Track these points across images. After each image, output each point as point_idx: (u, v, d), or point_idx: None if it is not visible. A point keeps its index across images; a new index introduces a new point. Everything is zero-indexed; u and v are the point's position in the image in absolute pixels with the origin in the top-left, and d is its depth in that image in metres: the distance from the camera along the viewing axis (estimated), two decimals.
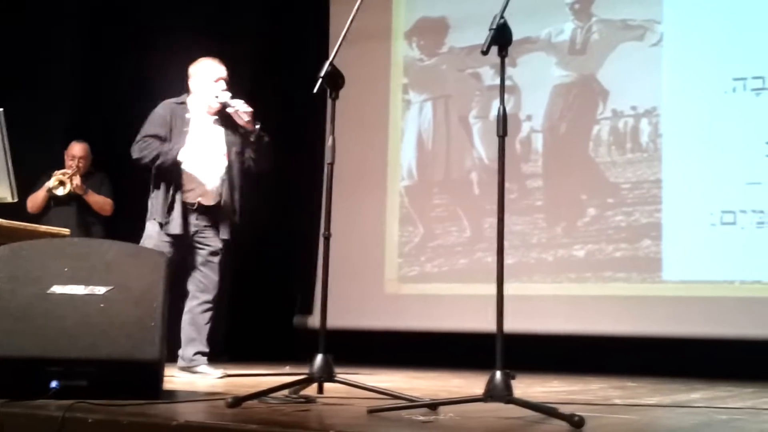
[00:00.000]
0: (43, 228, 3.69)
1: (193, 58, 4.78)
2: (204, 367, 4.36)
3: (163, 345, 2.77)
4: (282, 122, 6.95)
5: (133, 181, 6.39)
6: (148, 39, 6.89)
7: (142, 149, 4.45)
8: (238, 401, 2.55)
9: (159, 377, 2.79)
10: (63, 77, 6.83)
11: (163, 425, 2.19)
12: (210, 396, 3.01)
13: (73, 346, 2.71)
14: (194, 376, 4.24)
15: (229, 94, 4.57)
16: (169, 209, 4.41)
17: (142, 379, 2.76)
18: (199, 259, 4.47)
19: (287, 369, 5.16)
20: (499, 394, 2.39)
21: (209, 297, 4.47)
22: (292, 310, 6.99)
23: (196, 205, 4.46)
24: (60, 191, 5.57)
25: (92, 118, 6.67)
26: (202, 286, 4.46)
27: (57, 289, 2.77)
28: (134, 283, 2.83)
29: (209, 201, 4.49)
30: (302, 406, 2.65)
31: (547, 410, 2.42)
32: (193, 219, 4.46)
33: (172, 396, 2.87)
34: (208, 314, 4.47)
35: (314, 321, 6.63)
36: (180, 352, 4.36)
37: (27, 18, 6.61)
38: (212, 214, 4.50)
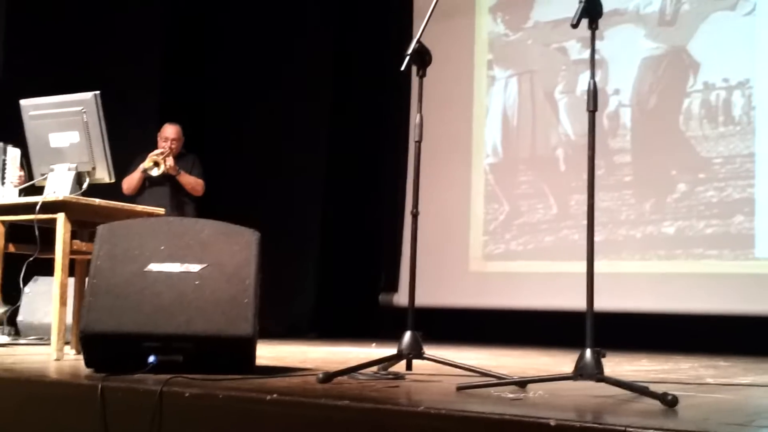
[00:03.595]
0: (139, 208, 3.80)
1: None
2: None
3: (255, 321, 2.83)
4: (367, 101, 7.01)
5: (223, 163, 6.56)
6: (238, 24, 7.02)
7: None
8: (329, 377, 2.59)
9: (252, 352, 2.85)
10: (155, 60, 6.98)
11: (257, 399, 2.23)
12: (301, 371, 3.07)
13: (169, 322, 2.78)
14: None
15: None
16: None
17: (236, 354, 2.82)
18: None
19: (373, 346, 5.21)
20: (589, 372, 2.37)
21: None
22: (378, 287, 7.05)
23: None
24: (154, 172, 5.71)
25: (184, 100, 6.82)
26: None
27: (154, 266, 2.85)
28: (227, 260, 2.89)
29: None
30: (391, 383, 2.67)
31: (638, 389, 2.40)
32: None
33: (263, 371, 2.93)
34: None
35: (399, 299, 6.68)
36: None
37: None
38: None
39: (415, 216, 3.04)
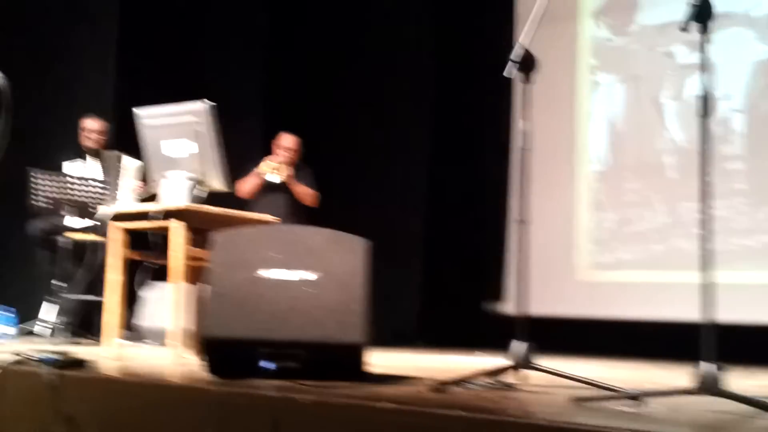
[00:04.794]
0: (253, 215, 3.88)
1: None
2: None
3: (366, 328, 2.86)
4: (469, 107, 6.99)
5: (336, 175, 6.65)
6: (339, 30, 7.10)
7: None
8: (442, 386, 2.59)
9: (363, 359, 2.88)
10: (265, 69, 7.12)
11: (371, 407, 2.25)
12: (411, 379, 3.08)
13: (282, 328, 2.83)
14: None
15: None
16: None
17: (347, 361, 2.85)
18: None
19: (477, 355, 5.19)
20: (709, 386, 2.31)
21: None
22: (482, 295, 7.01)
23: None
24: (275, 179, 5.84)
25: (288, 109, 6.95)
26: None
27: (267, 273, 2.91)
28: (338, 268, 2.93)
29: None
30: (504, 393, 2.66)
31: (761, 405, 2.32)
32: None
33: (374, 378, 2.95)
34: None
35: (504, 307, 6.63)
36: None
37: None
38: None
39: (522, 224, 3.02)
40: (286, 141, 6.06)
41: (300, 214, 6.02)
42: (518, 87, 3.04)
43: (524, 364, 2.83)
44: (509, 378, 2.90)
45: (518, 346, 2.84)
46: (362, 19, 7.25)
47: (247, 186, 5.96)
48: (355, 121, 7.22)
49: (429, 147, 7.14)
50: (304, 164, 6.17)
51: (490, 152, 7.01)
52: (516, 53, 2.96)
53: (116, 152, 5.44)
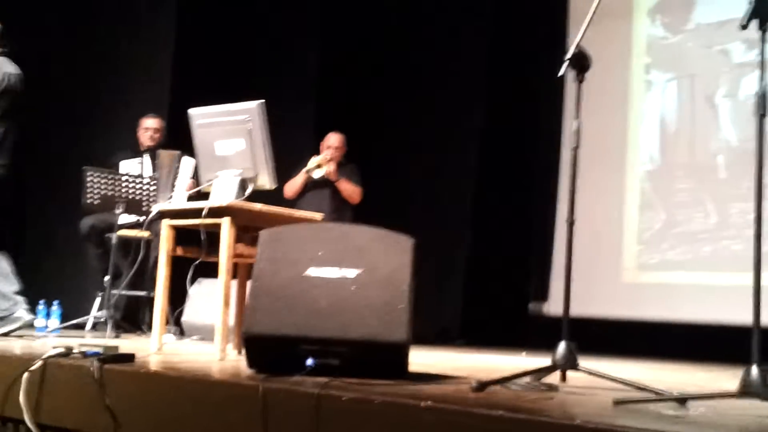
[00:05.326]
0: (299, 213, 3.91)
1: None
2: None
3: (410, 327, 2.86)
4: (519, 106, 6.96)
5: (376, 167, 6.68)
6: (389, 29, 7.12)
7: None
8: (483, 386, 2.59)
9: (406, 358, 2.88)
10: (315, 69, 7.18)
11: (413, 406, 2.25)
12: (454, 379, 3.07)
13: (326, 325, 2.84)
14: None
15: None
16: None
17: (390, 359, 2.85)
18: None
19: (523, 355, 5.17)
20: (756, 390, 2.27)
21: None
22: (527, 295, 6.98)
23: None
24: (317, 173, 5.95)
25: (341, 110, 7.00)
26: None
27: (312, 271, 2.92)
28: (383, 266, 2.93)
29: None
30: (546, 394, 2.64)
31: None
32: None
33: (416, 377, 2.95)
34: None
35: (549, 308, 6.59)
36: None
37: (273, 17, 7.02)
38: None
39: (570, 224, 3.00)
40: (332, 139, 6.14)
41: (344, 211, 6.08)
42: (570, 86, 3.02)
43: (569, 365, 2.81)
44: (551, 379, 2.88)
45: (563, 347, 2.82)
46: (414, 16, 7.26)
47: (293, 186, 6.04)
48: (403, 120, 7.24)
49: (477, 144, 7.12)
50: (349, 161, 6.22)
51: (539, 151, 6.98)
52: (570, 52, 2.93)
53: (176, 151, 5.53)
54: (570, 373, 2.90)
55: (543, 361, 2.92)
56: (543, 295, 6.79)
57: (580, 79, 2.98)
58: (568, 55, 2.92)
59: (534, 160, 7.03)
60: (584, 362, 2.87)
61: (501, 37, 7.12)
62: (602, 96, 6.40)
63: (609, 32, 6.45)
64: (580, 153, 3.00)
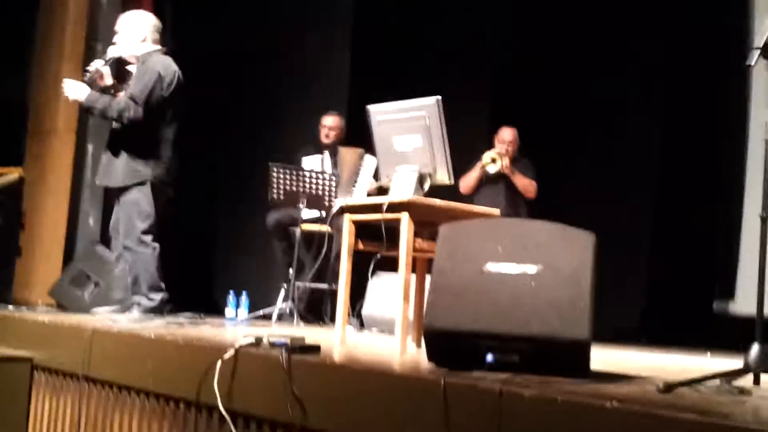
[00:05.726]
0: (476, 208, 3.92)
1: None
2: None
3: (591, 325, 2.81)
4: (701, 97, 6.68)
5: (553, 167, 6.60)
6: (569, 28, 7.00)
7: None
8: (670, 387, 2.51)
9: (587, 356, 2.83)
10: (487, 67, 7.18)
11: (597, 406, 2.21)
12: (638, 379, 3.00)
13: (506, 322, 2.84)
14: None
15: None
16: None
17: (571, 357, 2.81)
18: None
19: (708, 356, 4.96)
20: None
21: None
22: (712, 294, 6.69)
23: None
24: (492, 168, 5.96)
25: (515, 103, 6.96)
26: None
27: (491, 266, 2.91)
28: (563, 262, 2.89)
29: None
30: (738, 398, 2.53)
31: None
32: None
33: (598, 376, 2.90)
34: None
35: (735, 307, 6.30)
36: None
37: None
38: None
39: (764, 220, 2.86)
40: (505, 134, 6.13)
41: (519, 205, 6.05)
42: (758, 77, 2.88)
43: (762, 368, 2.68)
44: (743, 382, 2.76)
45: (756, 349, 2.70)
46: (592, 15, 7.10)
47: (469, 181, 6.07)
48: (580, 115, 7.10)
49: (659, 139, 6.89)
50: (523, 156, 6.18)
51: (724, 144, 6.68)
52: (762, 40, 2.80)
53: (359, 149, 5.67)
54: (765, 377, 2.77)
55: (732, 362, 2.80)
56: (729, 293, 6.49)
57: None
58: (760, 43, 2.79)
59: (718, 153, 6.73)
60: None
61: (681, 26, 6.85)
62: None
63: None
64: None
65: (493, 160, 5.97)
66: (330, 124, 6.21)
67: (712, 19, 6.66)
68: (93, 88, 4.78)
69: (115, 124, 4.83)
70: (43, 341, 4.52)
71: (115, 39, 4.90)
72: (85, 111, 4.85)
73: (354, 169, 5.73)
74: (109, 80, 4.88)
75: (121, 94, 4.83)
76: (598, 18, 7.09)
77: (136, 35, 4.86)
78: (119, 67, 4.99)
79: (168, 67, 4.86)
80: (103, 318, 4.67)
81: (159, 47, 4.97)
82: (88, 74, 4.81)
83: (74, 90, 4.70)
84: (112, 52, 4.88)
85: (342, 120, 6.23)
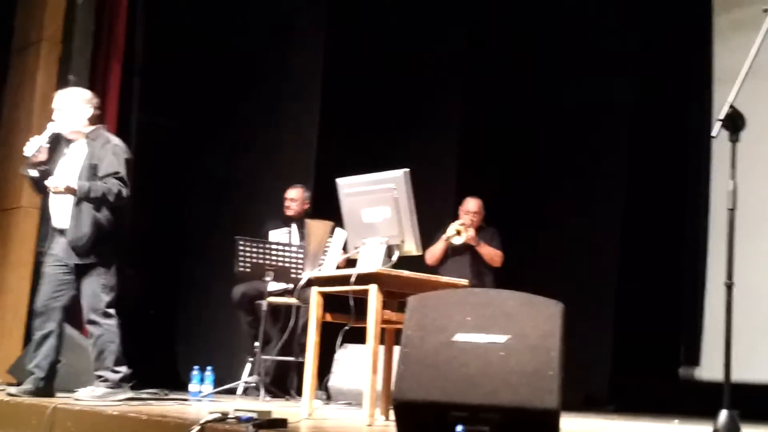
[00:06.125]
0: (444, 279, 3.93)
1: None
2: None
3: (560, 394, 2.81)
4: (666, 166, 6.81)
5: (519, 236, 6.65)
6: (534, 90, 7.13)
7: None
8: None
9: (557, 425, 2.83)
10: (453, 138, 7.29)
11: None
12: None
13: (475, 392, 2.83)
14: None
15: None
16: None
17: (541, 426, 2.81)
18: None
19: (676, 423, 4.97)
20: None
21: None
22: (678, 360, 6.72)
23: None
24: (457, 240, 6.00)
25: (482, 174, 7.04)
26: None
27: (460, 336, 2.92)
28: (531, 331, 2.91)
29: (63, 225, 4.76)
30: None
31: None
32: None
33: None
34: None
35: (701, 373, 6.33)
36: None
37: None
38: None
39: (729, 287, 2.91)
40: (470, 204, 6.18)
41: (485, 275, 6.08)
42: (719, 146, 2.97)
43: None
44: None
45: (724, 416, 2.71)
46: (562, 73, 7.26)
47: (434, 252, 6.09)
48: (545, 182, 7.19)
49: (623, 206, 6.97)
50: (488, 225, 6.23)
51: (687, 212, 6.79)
52: (723, 112, 2.90)
53: (329, 222, 5.65)
54: None
55: (700, 429, 2.80)
56: (695, 359, 6.53)
57: (734, 139, 2.93)
58: (721, 115, 2.88)
59: (681, 222, 6.84)
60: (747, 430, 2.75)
61: (649, 92, 7.01)
62: (757, 156, 6.13)
63: (762, 90, 6.20)
64: (739, 213, 2.92)
65: (458, 232, 6.00)
66: (292, 196, 6.23)
67: (676, 88, 6.83)
68: (30, 166, 4.79)
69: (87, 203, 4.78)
70: (2, 420, 4.40)
71: (54, 116, 4.87)
72: (83, 199, 4.82)
73: (322, 241, 5.71)
74: (44, 156, 4.86)
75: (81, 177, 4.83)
76: (570, 82, 7.24)
77: (79, 112, 4.86)
78: (53, 145, 4.98)
79: (123, 143, 4.91)
80: (75, 396, 4.56)
81: (102, 124, 5.01)
82: (32, 153, 4.77)
83: (61, 181, 4.71)
84: (53, 129, 4.85)
85: (304, 192, 6.25)
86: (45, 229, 5.53)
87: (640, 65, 7.06)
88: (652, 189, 6.84)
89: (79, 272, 4.74)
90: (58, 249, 4.78)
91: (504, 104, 7.33)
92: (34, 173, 4.78)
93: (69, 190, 4.61)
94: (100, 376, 4.64)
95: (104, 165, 4.74)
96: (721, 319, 2.92)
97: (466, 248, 6.08)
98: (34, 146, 4.74)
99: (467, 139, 7.27)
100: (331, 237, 5.42)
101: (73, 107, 4.85)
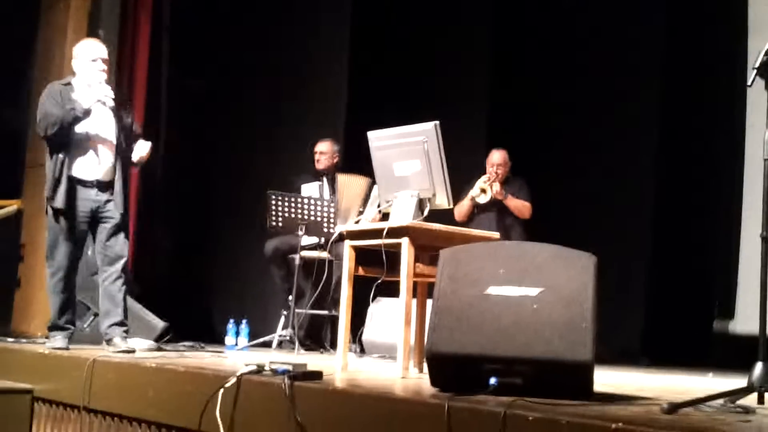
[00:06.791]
0: (476, 232, 3.92)
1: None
2: (118, 340, 4.58)
3: (593, 346, 2.80)
4: (699, 115, 6.71)
5: (549, 188, 6.60)
6: (566, 45, 7.03)
7: (45, 126, 4.63)
8: (674, 408, 2.50)
9: (590, 378, 2.83)
10: (482, 89, 7.22)
11: (602, 427, 2.20)
12: (641, 400, 2.99)
13: (508, 344, 2.83)
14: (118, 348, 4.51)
15: (111, 97, 4.65)
16: (57, 184, 4.63)
17: (574, 379, 2.80)
18: (103, 233, 4.72)
19: (710, 376, 4.95)
20: None
21: (118, 267, 4.71)
22: (712, 313, 6.68)
23: (95, 181, 4.69)
24: (482, 199, 5.94)
25: (511, 125, 6.98)
26: (107, 260, 4.73)
27: (493, 289, 2.92)
28: (565, 284, 2.89)
29: (108, 177, 4.71)
30: (742, 417, 2.53)
31: None
32: (93, 194, 4.68)
33: (601, 398, 2.89)
34: (119, 282, 4.71)
35: (735, 326, 6.28)
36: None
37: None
38: (111, 190, 4.72)
39: (764, 239, 2.87)
40: (494, 156, 6.12)
41: (514, 228, 6.03)
42: (755, 96, 2.90)
43: (766, 386, 2.68)
44: (747, 401, 2.75)
45: (759, 368, 2.69)
46: (586, 28, 7.15)
47: (462, 210, 6.06)
48: (575, 133, 7.12)
49: (657, 157, 6.90)
50: (516, 176, 6.17)
51: (721, 162, 6.69)
52: (758, 60, 2.83)
53: (368, 179, 5.64)
54: None
55: (734, 382, 2.79)
56: (729, 312, 6.48)
57: None
58: (757, 64, 2.82)
59: (716, 172, 6.74)
60: None
61: (679, 43, 6.88)
62: None
63: None
64: None
65: (483, 191, 5.95)
66: (321, 149, 6.23)
67: (708, 39, 6.70)
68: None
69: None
70: (43, 373, 4.50)
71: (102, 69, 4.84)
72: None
73: (355, 196, 5.73)
74: None
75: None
76: (593, 37, 7.14)
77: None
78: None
79: None
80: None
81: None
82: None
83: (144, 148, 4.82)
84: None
85: (334, 145, 6.25)
86: None
87: (673, 13, 6.93)
88: (685, 139, 6.75)
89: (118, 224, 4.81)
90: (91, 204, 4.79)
91: (533, 54, 7.24)
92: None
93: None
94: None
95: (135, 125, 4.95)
96: (756, 272, 2.89)
97: (494, 203, 6.02)
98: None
99: (496, 90, 7.21)
100: (367, 193, 5.41)
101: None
